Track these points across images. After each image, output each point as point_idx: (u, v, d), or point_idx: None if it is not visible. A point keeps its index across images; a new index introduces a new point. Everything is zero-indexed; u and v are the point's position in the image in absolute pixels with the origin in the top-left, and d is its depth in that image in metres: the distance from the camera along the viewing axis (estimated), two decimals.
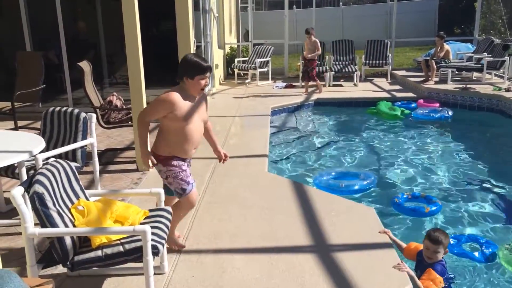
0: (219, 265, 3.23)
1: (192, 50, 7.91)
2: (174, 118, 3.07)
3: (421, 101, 8.95)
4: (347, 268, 3.11)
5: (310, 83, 10.03)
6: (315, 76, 9.88)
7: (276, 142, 7.18)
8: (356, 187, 5.11)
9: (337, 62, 11.59)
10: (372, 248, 3.43)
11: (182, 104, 3.09)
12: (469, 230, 4.27)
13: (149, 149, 3.23)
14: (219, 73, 11.74)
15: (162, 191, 3.20)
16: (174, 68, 7.97)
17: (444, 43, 10.60)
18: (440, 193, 5.12)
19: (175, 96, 3.07)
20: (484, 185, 5.37)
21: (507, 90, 8.68)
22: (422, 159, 6.28)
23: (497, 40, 10.51)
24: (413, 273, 3.09)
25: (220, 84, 11.75)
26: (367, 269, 3.12)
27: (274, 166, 6.04)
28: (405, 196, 4.74)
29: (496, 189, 5.23)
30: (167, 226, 2.92)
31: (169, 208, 3.15)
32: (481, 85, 9.49)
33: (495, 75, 10.22)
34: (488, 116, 8.44)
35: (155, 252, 2.61)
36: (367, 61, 11.64)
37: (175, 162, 3.18)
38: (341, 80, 11.59)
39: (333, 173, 5.56)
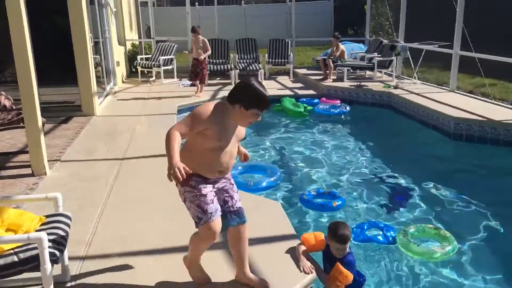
0: (128, 267, 3.13)
1: (89, 46, 7.55)
2: (209, 137, 2.57)
3: (324, 98, 9.43)
4: (254, 262, 3.18)
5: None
6: (205, 77, 9.53)
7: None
8: (264, 184, 5.20)
9: (241, 61, 11.77)
10: (279, 241, 3.54)
11: (222, 126, 2.60)
12: (369, 218, 4.56)
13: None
14: (121, 70, 11.31)
15: (59, 196, 3.01)
16: (70, 65, 7.52)
17: (340, 43, 11.27)
18: (342, 185, 5.45)
19: (216, 112, 2.57)
20: (379, 175, 5.81)
21: (395, 87, 9.47)
22: (323, 153, 6.63)
23: (386, 41, 11.40)
24: (319, 269, 3.19)
25: (123, 82, 11.33)
26: (274, 262, 3.22)
27: None
28: (312, 193, 4.94)
29: (389, 179, 5.68)
30: (66, 232, 2.76)
31: (68, 213, 2.97)
32: (373, 82, 10.24)
33: (385, 73, 11.09)
34: (380, 111, 9.14)
35: (54, 259, 2.47)
36: (270, 60, 11.98)
37: (193, 183, 2.65)
38: None
39: (239, 168, 5.61)
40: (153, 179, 4.86)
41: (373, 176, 5.76)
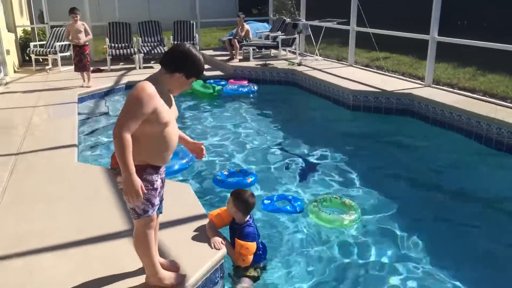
0: (26, 268, 2.96)
1: None
2: (156, 119, 2.41)
3: (232, 80, 9.46)
4: (165, 245, 3.16)
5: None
6: (89, 65, 8.71)
7: (86, 130, 6.78)
8: (176, 167, 5.14)
9: (145, 44, 11.40)
10: (190, 221, 3.55)
11: (163, 101, 2.45)
12: (279, 191, 4.72)
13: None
14: (12, 59, 10.42)
15: None
16: None
17: (244, 23, 11.34)
18: (253, 163, 5.55)
19: (153, 89, 2.40)
20: (287, 150, 6.01)
21: (299, 64, 9.78)
22: (233, 132, 6.70)
23: (288, 19, 11.68)
24: (227, 245, 3.25)
25: (15, 72, 10.46)
26: (186, 243, 3.23)
27: (86, 155, 5.72)
28: (224, 173, 4.97)
29: (296, 153, 5.88)
30: None
31: None
32: (279, 61, 10.48)
33: (289, 51, 11.39)
34: (286, 88, 9.40)
35: None
36: (175, 42, 11.73)
37: (147, 176, 2.50)
38: (152, 62, 11.46)
39: None
40: (53, 173, 4.59)
41: (280, 152, 5.94)
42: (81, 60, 8.49)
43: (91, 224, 3.52)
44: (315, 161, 5.59)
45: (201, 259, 3.04)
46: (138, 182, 2.38)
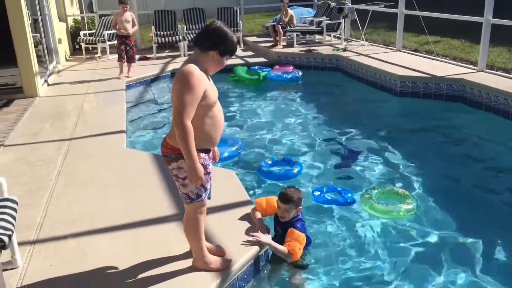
0: (80, 249, 3.10)
1: (27, 24, 7.16)
2: (206, 100, 2.45)
3: (277, 66, 9.38)
4: (210, 230, 3.21)
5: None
6: (135, 56, 8.70)
7: (133, 117, 6.96)
8: (226, 154, 5.09)
9: (189, 31, 11.51)
10: (234, 208, 3.59)
11: (207, 81, 2.50)
12: (327, 182, 4.59)
13: None
14: (63, 48, 10.82)
15: (2, 180, 2.90)
16: (8, 46, 7.11)
17: (288, 9, 11.21)
18: (298, 150, 5.48)
19: (198, 71, 2.43)
20: (332, 138, 5.89)
21: (344, 49, 9.58)
22: (278, 119, 6.64)
23: (333, 4, 11.43)
24: (269, 241, 3.10)
25: (67, 60, 10.85)
26: (230, 229, 3.26)
27: (134, 141, 5.87)
28: (268, 162, 4.84)
29: (342, 141, 5.76)
30: (12, 217, 2.67)
31: (14, 198, 2.88)
32: (323, 46, 10.30)
33: (334, 36, 11.17)
34: (330, 74, 9.24)
35: (1, 245, 2.39)
36: None
37: (201, 161, 2.52)
38: None
39: None
40: (104, 158, 4.75)
41: (325, 140, 5.85)
42: (127, 52, 8.43)
43: (140, 208, 3.63)
44: (361, 149, 5.45)
45: (246, 245, 3.06)
46: (201, 168, 2.46)
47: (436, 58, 8.60)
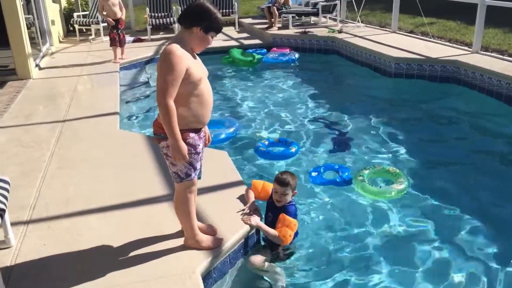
0: (73, 229, 3.13)
1: (19, 5, 7.08)
2: (189, 78, 2.46)
3: (274, 48, 9.32)
4: (202, 209, 3.25)
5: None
6: (124, 40, 8.47)
7: (127, 99, 6.94)
8: (223, 136, 5.12)
9: None
10: (226, 188, 3.62)
11: (190, 59, 2.50)
12: (322, 163, 4.61)
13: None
14: (57, 30, 10.71)
15: None
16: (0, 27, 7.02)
17: None
18: (294, 132, 5.48)
19: (181, 49, 2.44)
20: (327, 119, 5.91)
21: (340, 31, 9.53)
22: (272, 101, 6.65)
23: None
24: (260, 223, 3.11)
25: (60, 42, 10.76)
26: (221, 209, 3.30)
27: (127, 123, 5.88)
28: (264, 143, 4.84)
29: (337, 122, 5.78)
30: (4, 197, 2.70)
31: (6, 178, 2.89)
32: (319, 28, 10.24)
33: (330, 18, 11.10)
34: (326, 56, 9.22)
35: None
36: None
37: (190, 140, 2.56)
38: None
39: None
40: (98, 139, 4.76)
41: (320, 121, 5.87)
42: (118, 36, 8.18)
43: (133, 188, 3.65)
44: (356, 130, 5.49)
45: (237, 224, 3.10)
46: (184, 147, 2.49)
47: (432, 40, 8.57)
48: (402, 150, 4.89)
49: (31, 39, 7.84)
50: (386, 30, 9.70)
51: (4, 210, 2.59)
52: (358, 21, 10.12)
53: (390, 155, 4.80)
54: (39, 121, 5.31)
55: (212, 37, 2.58)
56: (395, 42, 8.28)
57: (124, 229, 3.08)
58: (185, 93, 2.49)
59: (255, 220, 3.12)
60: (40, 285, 2.60)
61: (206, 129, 2.82)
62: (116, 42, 8.25)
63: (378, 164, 4.41)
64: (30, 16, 8.70)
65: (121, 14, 8.23)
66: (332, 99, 6.72)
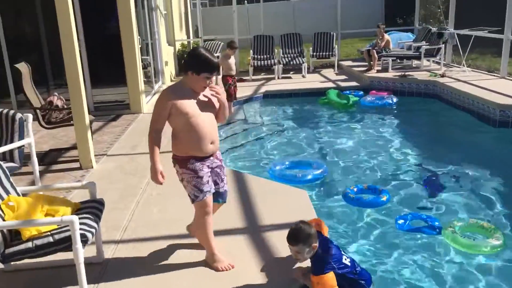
0: (157, 251, 3.41)
1: (137, 48, 7.98)
2: (177, 113, 2.87)
3: (373, 91, 9.27)
4: (267, 244, 3.36)
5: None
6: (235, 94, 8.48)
7: (224, 135, 7.36)
8: (310, 177, 5.16)
9: (285, 55, 11.86)
10: None
11: (180, 97, 2.89)
12: (412, 211, 4.44)
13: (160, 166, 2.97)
14: (169, 69, 11.79)
15: (93, 184, 3.31)
16: (122, 67, 7.97)
17: (385, 34, 11.07)
18: (385, 178, 5.35)
19: (170, 90, 2.95)
20: (422, 166, 5.65)
21: (442, 75, 9.18)
22: (366, 146, 6.53)
23: (434, 28, 11.04)
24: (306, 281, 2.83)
25: (172, 80, 11.80)
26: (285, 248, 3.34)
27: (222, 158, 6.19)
28: (353, 190, 4.73)
29: (432, 170, 5.49)
30: (97, 216, 3.05)
31: (102, 200, 3.27)
32: (420, 72, 9.98)
33: (434, 61, 10.76)
34: (425, 101, 8.90)
35: (84, 240, 2.74)
36: (315, 53, 11.97)
37: (190, 166, 2.96)
38: (291, 72, 11.87)
39: (286, 163, 5.64)
40: None
41: (413, 168, 5.63)
42: (234, 91, 8.30)
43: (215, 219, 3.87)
44: (451, 181, 5.18)
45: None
46: (157, 169, 2.95)
47: None
48: (502, 207, 4.50)
49: (147, 77, 8.74)
50: (494, 76, 9.13)
51: (96, 229, 2.93)
52: (464, 65, 9.67)
53: (489, 211, 4.45)
54: (141, 152, 5.87)
55: (208, 77, 2.89)
56: (503, 88, 7.76)
57: (201, 257, 3.27)
58: (180, 126, 2.92)
59: (303, 278, 2.90)
60: None
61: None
62: (229, 97, 8.16)
63: (471, 218, 4.13)
64: (148, 57, 9.74)
65: (235, 71, 8.44)
66: (428, 146, 6.46)
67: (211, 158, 3.06)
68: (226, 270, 3.07)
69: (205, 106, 2.99)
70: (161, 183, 3.00)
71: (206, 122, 2.95)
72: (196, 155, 2.97)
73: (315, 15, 19.05)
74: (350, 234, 4.09)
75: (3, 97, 8.48)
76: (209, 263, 3.13)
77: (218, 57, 9.10)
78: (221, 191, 3.18)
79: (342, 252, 2.87)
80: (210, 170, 3.04)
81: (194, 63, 2.89)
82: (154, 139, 2.94)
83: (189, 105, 2.91)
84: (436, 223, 4.02)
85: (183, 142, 2.95)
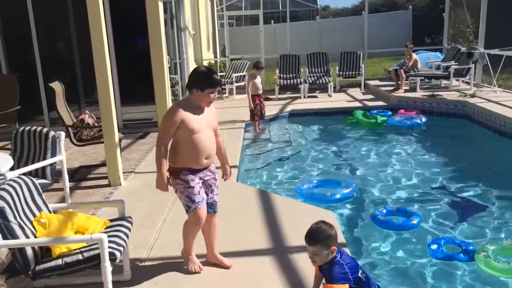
0: (181, 271, 3.40)
1: (166, 67, 8.13)
2: (184, 128, 3.09)
3: (402, 110, 9.15)
4: (300, 267, 3.30)
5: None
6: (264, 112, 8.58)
7: (249, 153, 7.38)
8: (338, 196, 5.13)
9: (311, 74, 11.89)
10: None
11: (188, 114, 3.12)
12: (441, 234, 4.36)
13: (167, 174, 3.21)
14: None
15: (122, 202, 3.36)
16: (149, 85, 8.16)
17: (413, 53, 10.98)
18: (415, 200, 5.24)
19: (177, 107, 3.14)
20: (452, 189, 5.52)
21: (472, 96, 9.02)
22: (395, 167, 6.45)
23: (463, 48, 10.90)
24: None
25: None
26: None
27: (246, 176, 6.22)
28: (382, 211, 4.65)
29: (463, 193, 5.39)
30: (126, 234, 3.09)
31: (130, 218, 3.31)
32: (449, 92, 9.83)
33: (463, 81, 10.59)
34: (455, 121, 8.74)
35: (113, 258, 2.78)
36: (341, 72, 11.96)
37: (183, 177, 3.17)
38: (317, 92, 11.87)
39: (314, 181, 5.61)
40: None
41: (444, 191, 5.49)
42: (260, 110, 8.38)
43: (239, 238, 3.86)
44: (483, 203, 5.03)
45: None
46: (163, 180, 3.17)
47: None
48: None
49: (174, 95, 8.88)
50: None
51: (124, 247, 2.96)
52: (495, 85, 9.48)
53: None
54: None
55: (211, 92, 3.12)
56: None
57: (225, 279, 3.26)
58: (182, 138, 3.12)
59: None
60: None
61: (224, 166, 3.53)
62: (257, 116, 8.41)
63: (505, 241, 4.00)
64: (176, 76, 9.91)
65: (262, 91, 8.49)
66: (459, 167, 6.31)
67: (204, 170, 3.26)
68: (195, 272, 3.32)
69: (208, 120, 3.23)
70: (167, 191, 3.24)
71: (207, 137, 3.19)
72: (191, 167, 3.18)
73: (341, 34, 19.10)
74: (376, 257, 4.01)
75: (37, 115, 8.75)
76: (184, 259, 3.42)
77: (244, 76, 9.29)
78: (209, 201, 3.36)
79: (359, 267, 2.72)
80: (202, 181, 3.25)
81: (197, 81, 3.14)
82: (160, 149, 3.16)
83: (196, 122, 3.13)
84: (471, 247, 3.91)
85: (180, 154, 3.16)
